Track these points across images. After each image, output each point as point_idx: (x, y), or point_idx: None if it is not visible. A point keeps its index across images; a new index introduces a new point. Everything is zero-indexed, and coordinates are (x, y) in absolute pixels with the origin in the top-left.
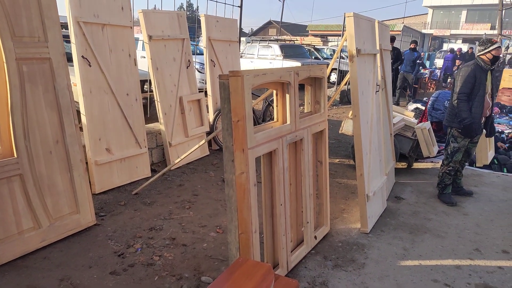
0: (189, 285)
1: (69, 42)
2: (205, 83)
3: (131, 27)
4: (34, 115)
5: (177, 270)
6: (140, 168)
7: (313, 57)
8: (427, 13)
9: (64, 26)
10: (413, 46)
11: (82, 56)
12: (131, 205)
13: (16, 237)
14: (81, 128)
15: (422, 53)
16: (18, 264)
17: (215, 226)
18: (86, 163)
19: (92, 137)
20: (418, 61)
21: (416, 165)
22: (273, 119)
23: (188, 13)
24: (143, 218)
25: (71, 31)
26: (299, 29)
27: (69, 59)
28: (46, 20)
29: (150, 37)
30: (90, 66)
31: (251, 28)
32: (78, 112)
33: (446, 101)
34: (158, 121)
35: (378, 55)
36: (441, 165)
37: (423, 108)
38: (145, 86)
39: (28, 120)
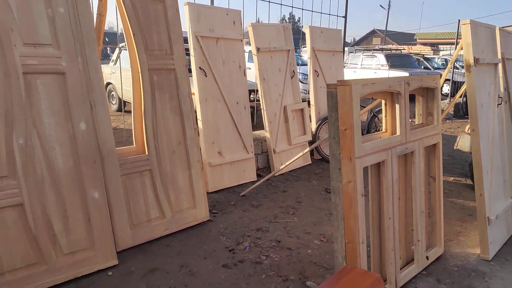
0: (294, 287)
1: (188, 54)
2: (308, 93)
3: (241, 40)
4: (162, 119)
5: (283, 272)
6: (247, 172)
7: (422, 67)
8: None
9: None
10: None
11: (200, 67)
12: (240, 205)
13: (145, 224)
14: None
15: None
16: (146, 248)
17: (319, 234)
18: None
19: (206, 141)
20: None
21: None
22: (378, 131)
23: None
24: (251, 219)
25: (191, 45)
26: (406, 38)
27: (188, 70)
28: (172, 35)
29: (258, 49)
30: (206, 76)
31: (353, 38)
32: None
33: None
34: (263, 129)
35: (499, 65)
36: None
37: None
38: (251, 96)
39: (157, 123)
